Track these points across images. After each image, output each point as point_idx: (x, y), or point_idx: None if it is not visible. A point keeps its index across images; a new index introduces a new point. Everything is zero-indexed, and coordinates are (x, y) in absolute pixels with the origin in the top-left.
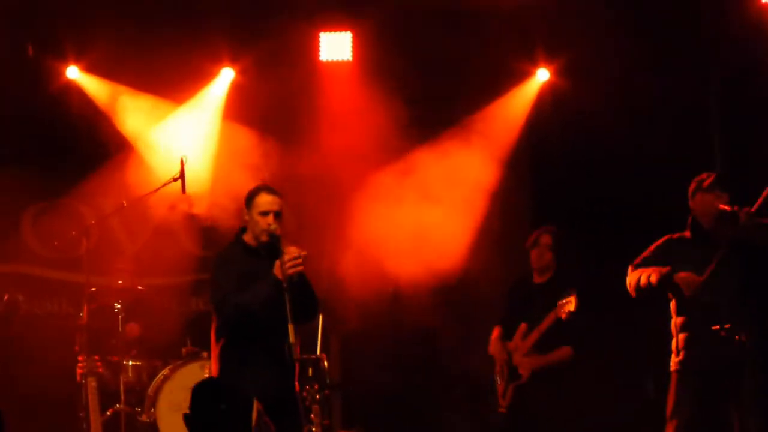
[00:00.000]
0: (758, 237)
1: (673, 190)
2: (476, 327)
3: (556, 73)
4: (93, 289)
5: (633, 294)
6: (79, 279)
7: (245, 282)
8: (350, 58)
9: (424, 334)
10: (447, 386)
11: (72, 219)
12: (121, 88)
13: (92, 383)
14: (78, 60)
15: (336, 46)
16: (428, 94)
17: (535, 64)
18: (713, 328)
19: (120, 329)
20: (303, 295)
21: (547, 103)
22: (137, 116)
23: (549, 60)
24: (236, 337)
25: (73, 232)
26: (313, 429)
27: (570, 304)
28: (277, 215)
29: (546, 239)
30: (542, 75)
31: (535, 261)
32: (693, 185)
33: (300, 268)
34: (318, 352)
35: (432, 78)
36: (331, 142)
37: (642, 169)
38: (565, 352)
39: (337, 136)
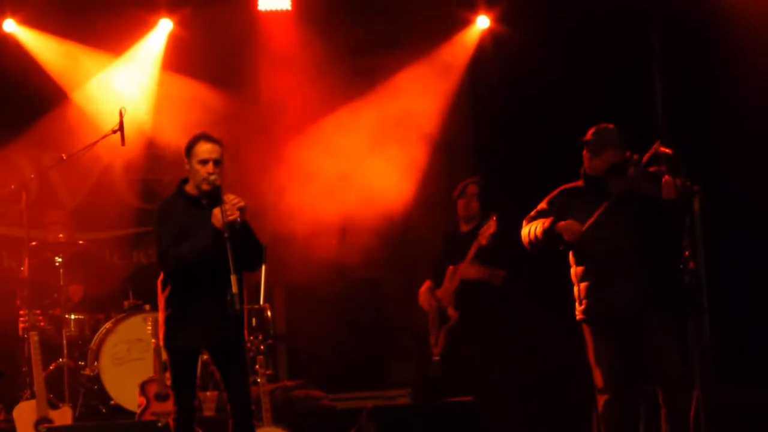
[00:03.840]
0: (646, 187)
1: None
2: (419, 276)
3: (496, 20)
4: (33, 243)
5: (528, 247)
6: (20, 233)
7: (187, 233)
8: (289, 7)
9: (367, 284)
10: (391, 335)
11: (11, 173)
12: (59, 40)
13: (34, 337)
14: (14, 13)
15: None
16: (367, 43)
17: (475, 11)
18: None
19: (61, 283)
20: (246, 244)
21: (487, 51)
22: (75, 69)
23: (489, 7)
24: (181, 287)
25: (12, 186)
26: (258, 379)
27: (490, 227)
28: (217, 163)
29: (473, 188)
30: (482, 22)
31: (462, 210)
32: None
33: (237, 214)
34: (261, 302)
35: (371, 26)
36: (271, 91)
37: (583, 117)
38: (496, 273)
39: (278, 85)
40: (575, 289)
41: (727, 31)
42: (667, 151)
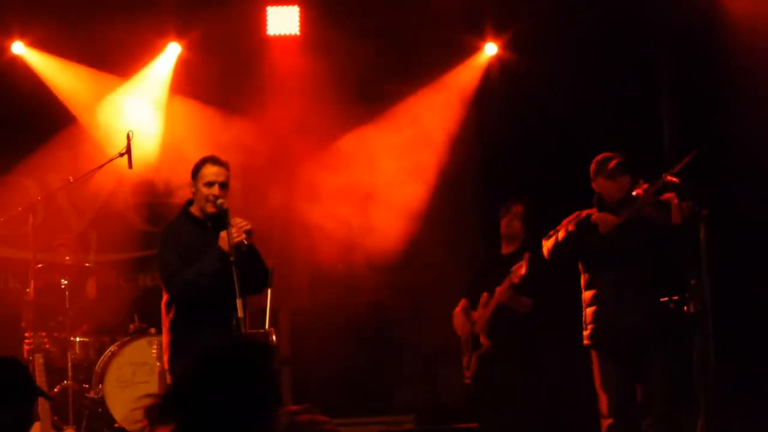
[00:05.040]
0: (655, 215)
1: None
2: (426, 300)
3: (504, 47)
4: (40, 265)
5: (551, 256)
6: (26, 255)
7: (192, 255)
8: (298, 32)
9: (374, 308)
10: (398, 360)
11: (18, 195)
12: (67, 63)
13: (39, 360)
14: (23, 35)
15: (283, 20)
16: (375, 69)
17: (483, 38)
18: (662, 300)
19: (67, 305)
20: (252, 266)
21: (495, 78)
22: (83, 91)
23: (497, 34)
24: (186, 309)
25: (20, 208)
26: None
27: (521, 267)
28: (223, 185)
29: (518, 208)
30: (490, 49)
31: (504, 228)
32: (593, 167)
33: (244, 237)
34: (266, 327)
35: (379, 52)
36: (279, 117)
37: (590, 143)
38: (523, 301)
39: (285, 110)
40: (582, 314)
41: (736, 58)
42: (675, 180)
